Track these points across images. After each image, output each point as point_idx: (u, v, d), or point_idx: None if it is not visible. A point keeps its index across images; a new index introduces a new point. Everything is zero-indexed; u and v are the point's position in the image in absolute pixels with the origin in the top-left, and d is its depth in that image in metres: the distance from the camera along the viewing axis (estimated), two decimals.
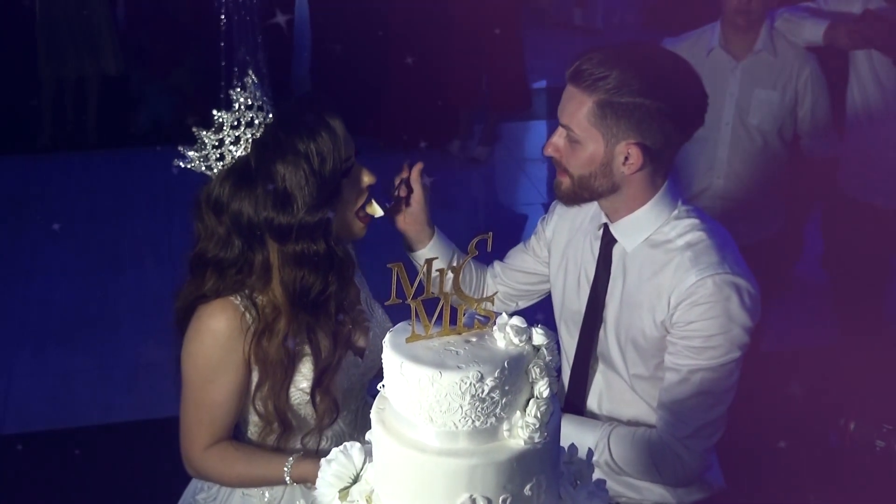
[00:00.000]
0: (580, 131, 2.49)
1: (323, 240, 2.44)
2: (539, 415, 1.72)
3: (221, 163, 2.42)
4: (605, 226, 2.65)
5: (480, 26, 7.75)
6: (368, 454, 1.89)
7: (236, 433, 2.62)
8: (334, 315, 2.52)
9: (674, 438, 2.56)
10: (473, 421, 1.70)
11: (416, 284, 1.79)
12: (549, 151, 2.57)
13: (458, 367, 1.69)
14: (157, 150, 7.63)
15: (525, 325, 1.76)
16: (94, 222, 7.07)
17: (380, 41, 8.08)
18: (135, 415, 5.07)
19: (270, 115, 2.43)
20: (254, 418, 2.57)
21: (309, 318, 2.48)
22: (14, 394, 5.28)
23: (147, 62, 8.41)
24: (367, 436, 1.90)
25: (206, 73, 8.16)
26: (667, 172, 2.58)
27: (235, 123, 2.40)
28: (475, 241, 1.86)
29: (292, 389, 2.51)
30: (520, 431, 1.72)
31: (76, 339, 5.73)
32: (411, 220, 2.78)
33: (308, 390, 2.52)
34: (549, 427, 1.75)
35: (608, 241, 2.65)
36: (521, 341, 1.74)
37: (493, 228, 1.96)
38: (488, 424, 1.71)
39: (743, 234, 3.17)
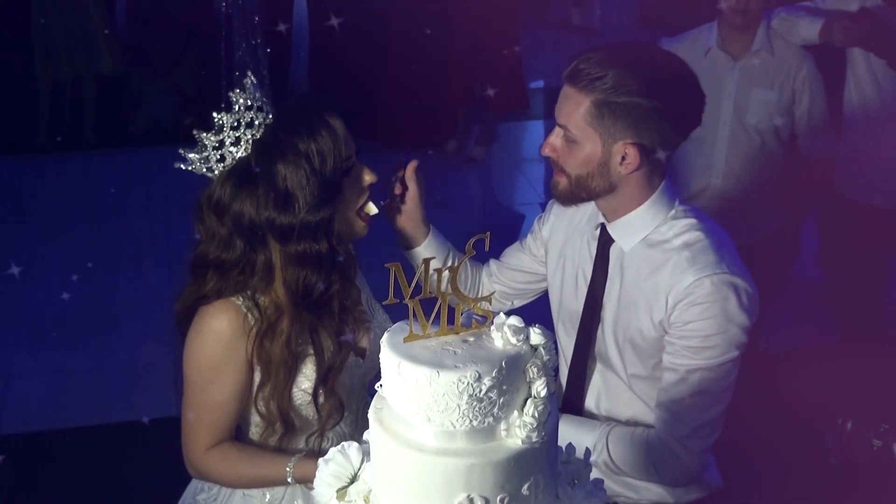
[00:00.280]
0: (577, 131, 2.49)
1: (325, 239, 2.44)
2: (536, 414, 1.72)
3: (222, 164, 2.43)
4: (603, 225, 2.65)
5: (478, 27, 7.75)
6: (366, 454, 1.89)
7: (237, 434, 2.62)
8: (337, 315, 2.53)
9: (672, 438, 2.56)
10: (471, 420, 1.70)
11: (413, 284, 1.79)
12: (546, 151, 2.57)
13: (456, 366, 1.69)
14: (156, 151, 7.66)
15: (522, 325, 1.76)
16: (92, 222, 7.07)
17: (378, 41, 8.07)
18: (133, 415, 5.06)
19: (270, 116, 2.43)
20: (256, 419, 2.57)
21: (312, 318, 2.49)
22: (12, 394, 5.28)
23: (146, 62, 8.40)
24: (365, 435, 1.91)
25: (205, 74, 8.15)
26: (664, 172, 2.58)
27: (235, 124, 2.40)
28: (473, 240, 1.86)
29: (295, 390, 2.52)
30: (517, 431, 1.72)
31: (74, 340, 5.72)
32: (406, 217, 2.78)
33: (310, 391, 2.52)
34: (547, 427, 1.75)
35: (605, 241, 2.65)
36: (518, 341, 1.74)
37: (491, 228, 1.97)
38: (486, 424, 1.72)
39: (741, 233, 3.18)
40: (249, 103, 2.41)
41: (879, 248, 4.69)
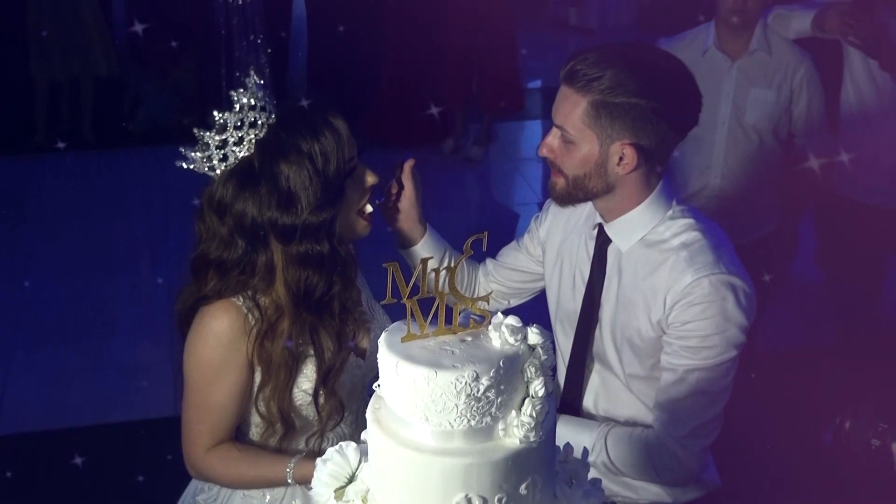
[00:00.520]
0: (575, 132, 2.49)
1: (327, 240, 2.44)
2: (534, 414, 1.72)
3: (224, 164, 2.42)
4: (600, 226, 2.65)
5: (473, 27, 7.75)
6: (364, 454, 1.89)
7: (238, 434, 2.62)
8: (338, 316, 2.53)
9: (671, 438, 2.56)
10: (469, 420, 1.70)
11: (411, 284, 1.79)
12: (544, 152, 2.57)
13: (454, 366, 1.69)
14: (155, 151, 7.66)
15: (520, 325, 1.76)
16: (90, 222, 7.07)
17: (375, 41, 8.07)
18: (131, 415, 5.07)
19: (273, 116, 2.43)
20: (256, 419, 2.57)
21: (312, 319, 2.48)
22: (9, 394, 5.28)
23: (144, 62, 8.40)
24: (363, 435, 1.91)
25: (204, 74, 8.16)
26: (661, 172, 2.58)
27: (239, 124, 2.39)
28: (471, 240, 1.86)
29: (295, 390, 2.51)
30: (515, 431, 1.72)
31: (72, 340, 5.73)
32: (403, 217, 2.78)
33: (311, 391, 2.52)
34: (545, 426, 1.75)
35: (603, 241, 2.65)
36: (516, 341, 1.74)
37: (488, 228, 1.97)
38: (484, 424, 1.72)
39: (738, 232, 3.18)
40: (253, 103, 2.40)
41: (877, 247, 4.70)
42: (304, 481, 2.49)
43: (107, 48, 8.00)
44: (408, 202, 2.77)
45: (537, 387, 1.74)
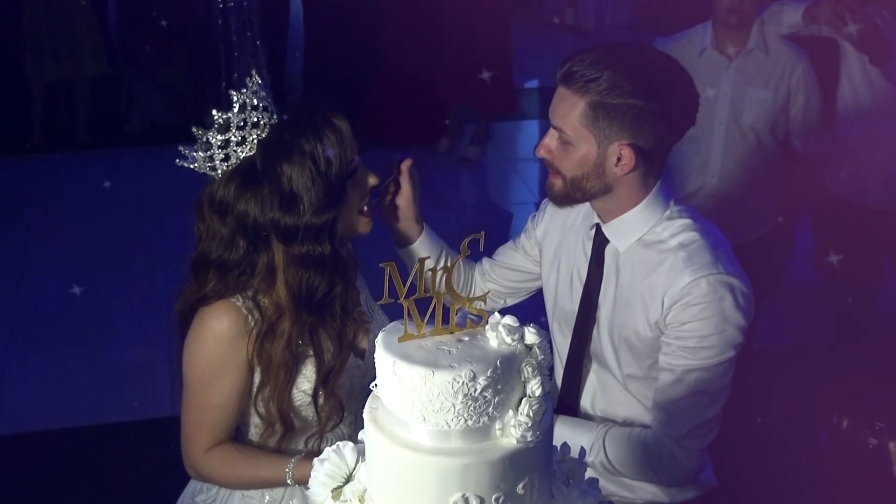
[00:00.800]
0: (572, 133, 2.49)
1: (328, 241, 2.44)
2: (531, 414, 1.72)
3: (226, 163, 2.42)
4: (598, 226, 2.65)
5: (468, 28, 7.75)
6: (361, 453, 1.89)
7: (237, 435, 2.61)
8: (339, 316, 2.52)
9: (669, 439, 2.56)
10: (466, 420, 1.70)
11: (408, 284, 1.79)
12: (542, 153, 2.57)
13: (451, 366, 1.69)
14: (152, 151, 7.66)
15: (517, 325, 1.76)
16: (86, 223, 7.07)
17: (370, 40, 8.07)
18: (129, 415, 5.07)
19: (275, 116, 2.43)
20: (255, 420, 2.56)
21: (312, 320, 2.48)
22: (6, 395, 5.27)
23: (139, 62, 8.39)
24: (360, 435, 1.90)
25: (201, 74, 8.15)
26: (659, 173, 2.58)
27: (241, 124, 2.39)
28: (467, 240, 1.86)
29: (295, 391, 2.51)
30: (512, 430, 1.72)
31: (68, 340, 5.72)
32: (400, 215, 2.78)
33: (310, 392, 2.51)
34: (542, 426, 1.75)
35: (600, 241, 2.65)
36: (513, 340, 1.74)
37: (485, 228, 1.97)
38: (481, 423, 1.71)
39: (735, 232, 3.18)
40: (256, 103, 2.40)
41: (873, 247, 4.70)
42: (304, 482, 2.48)
43: (97, 49, 7.98)
44: (405, 201, 2.77)
45: (534, 386, 1.74)
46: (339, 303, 2.51)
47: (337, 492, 1.88)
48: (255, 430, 2.59)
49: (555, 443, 1.90)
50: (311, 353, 2.50)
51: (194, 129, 2.40)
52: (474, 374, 1.68)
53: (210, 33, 7.79)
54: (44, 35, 7.76)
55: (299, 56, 8.71)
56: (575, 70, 2.46)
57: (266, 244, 2.45)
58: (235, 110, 2.38)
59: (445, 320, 1.80)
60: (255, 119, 2.40)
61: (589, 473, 1.97)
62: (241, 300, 2.47)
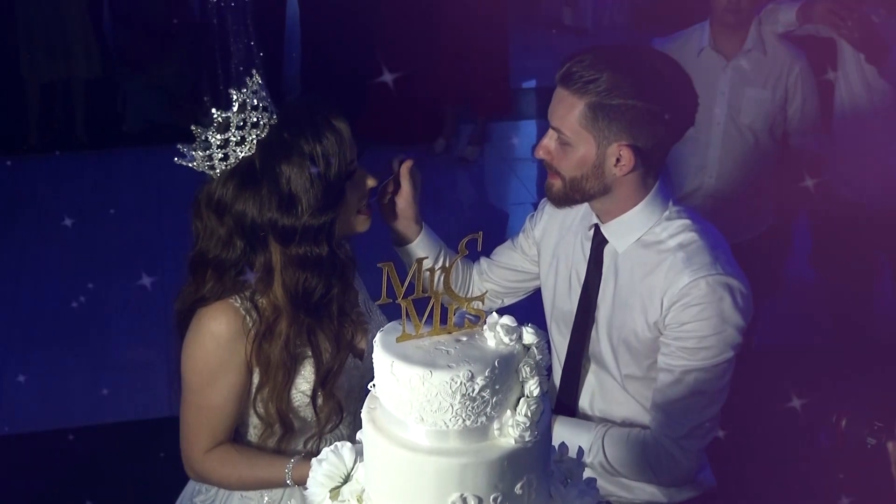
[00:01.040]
0: (571, 134, 2.49)
1: (326, 243, 2.44)
2: (529, 414, 1.72)
3: (225, 163, 2.41)
4: (596, 226, 2.65)
5: (465, 28, 7.74)
6: (359, 454, 1.89)
7: (236, 436, 2.61)
8: (336, 317, 2.52)
9: (668, 439, 2.56)
10: (464, 420, 1.70)
11: (406, 284, 1.79)
12: (541, 154, 2.57)
13: (449, 366, 1.69)
14: (150, 151, 7.65)
15: (515, 325, 1.76)
16: (83, 223, 7.05)
17: (367, 40, 8.07)
18: (127, 415, 5.06)
19: (275, 116, 2.42)
20: (254, 421, 2.56)
21: (310, 321, 2.48)
22: (5, 395, 5.27)
23: (134, 62, 8.39)
24: (358, 435, 1.90)
25: (196, 74, 8.14)
26: (658, 173, 2.58)
27: (241, 124, 2.39)
28: (465, 240, 1.86)
29: (293, 391, 2.51)
30: (510, 430, 1.72)
31: (66, 340, 5.72)
32: (399, 215, 2.78)
33: (309, 392, 2.51)
34: (540, 426, 1.75)
35: (599, 242, 2.65)
36: (511, 340, 1.74)
37: (483, 227, 1.97)
38: (479, 423, 1.71)
39: (733, 232, 3.18)
40: (256, 102, 2.39)
41: (871, 246, 4.70)
42: (303, 482, 2.47)
43: (90, 49, 7.97)
44: (404, 201, 2.77)
45: (532, 386, 1.74)
46: (336, 304, 2.51)
47: (335, 492, 1.88)
48: (254, 430, 2.59)
49: (553, 443, 1.90)
50: (310, 353, 2.50)
51: (193, 128, 2.39)
52: (472, 375, 1.68)
53: (205, 33, 7.79)
54: (38, 34, 7.76)
55: (297, 56, 8.71)
56: (574, 71, 2.46)
57: (263, 244, 2.45)
58: (235, 109, 2.38)
59: (443, 320, 1.80)
60: (255, 119, 2.39)
61: (587, 473, 1.97)
62: (238, 301, 2.46)
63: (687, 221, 2.57)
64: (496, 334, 1.75)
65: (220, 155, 2.40)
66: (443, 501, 1.70)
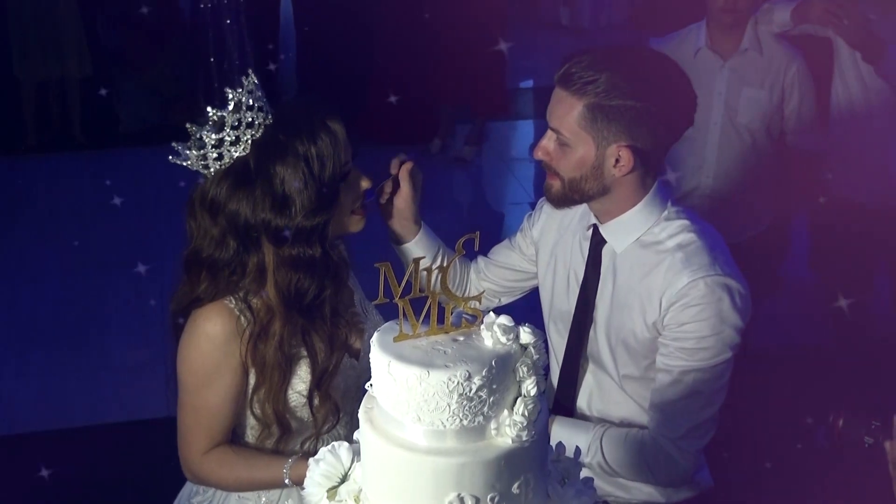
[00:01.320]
0: (570, 135, 2.48)
1: (319, 244, 2.44)
2: (527, 413, 1.72)
3: (219, 162, 2.41)
4: (595, 226, 2.65)
5: (462, 28, 7.74)
6: (356, 453, 1.89)
7: (233, 437, 2.61)
8: (329, 318, 2.52)
9: (666, 439, 2.56)
10: (461, 420, 1.70)
11: (403, 283, 1.79)
12: (539, 155, 2.57)
13: (446, 365, 1.69)
14: (146, 150, 7.64)
15: (512, 324, 1.76)
16: (82, 222, 7.06)
17: (363, 40, 8.07)
18: (125, 416, 5.06)
19: (270, 117, 2.42)
20: (251, 421, 2.56)
21: (303, 321, 2.48)
22: (3, 395, 5.26)
23: (126, 62, 8.39)
24: (356, 435, 1.91)
25: (191, 73, 8.13)
26: (657, 173, 2.58)
27: (236, 124, 2.38)
28: (462, 240, 1.86)
29: (290, 392, 2.51)
30: (507, 430, 1.72)
31: (64, 340, 5.71)
32: (398, 215, 2.78)
33: (305, 393, 2.51)
34: (537, 425, 1.75)
35: (598, 242, 2.65)
36: (508, 340, 1.74)
37: (480, 227, 1.97)
38: (476, 423, 1.72)
39: (731, 232, 3.18)
40: (251, 102, 2.39)
41: (869, 245, 4.70)
42: (301, 482, 2.47)
43: (81, 50, 7.97)
44: (403, 202, 2.77)
45: (529, 386, 1.74)
46: (329, 305, 2.51)
47: (332, 492, 1.88)
48: (251, 431, 2.59)
49: (551, 443, 1.90)
50: (305, 354, 2.50)
51: (188, 126, 2.39)
52: (469, 374, 1.68)
53: (199, 33, 7.79)
54: (29, 34, 7.76)
55: (292, 56, 8.71)
56: (573, 72, 2.46)
57: (256, 245, 2.45)
58: (230, 109, 2.38)
59: (440, 320, 1.80)
60: (250, 119, 2.39)
61: (585, 473, 1.98)
62: (233, 301, 2.46)
63: (686, 222, 2.57)
64: (493, 334, 1.75)
65: (215, 154, 2.40)
66: (440, 501, 1.70)
